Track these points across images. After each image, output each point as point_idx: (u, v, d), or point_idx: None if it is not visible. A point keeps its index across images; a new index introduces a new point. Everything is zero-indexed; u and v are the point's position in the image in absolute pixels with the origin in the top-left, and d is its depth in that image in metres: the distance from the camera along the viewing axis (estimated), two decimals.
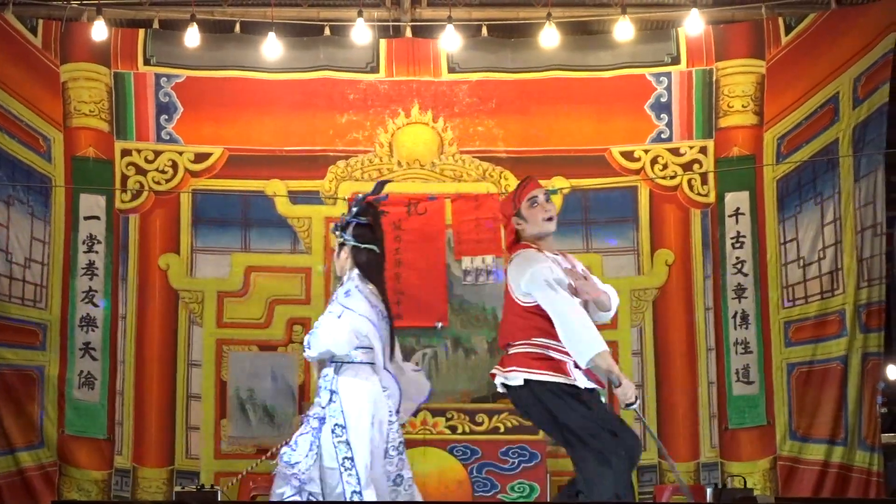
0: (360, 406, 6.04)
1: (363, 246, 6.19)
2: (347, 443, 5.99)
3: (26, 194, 9.17)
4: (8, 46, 9.18)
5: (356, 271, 6.16)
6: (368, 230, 6.24)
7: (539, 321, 5.53)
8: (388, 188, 9.28)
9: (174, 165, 9.57)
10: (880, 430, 9.03)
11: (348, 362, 6.10)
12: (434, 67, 9.72)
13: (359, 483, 5.96)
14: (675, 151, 9.62)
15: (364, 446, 6.00)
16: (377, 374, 6.14)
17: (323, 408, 6.07)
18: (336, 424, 6.01)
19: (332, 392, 6.06)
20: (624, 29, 9.16)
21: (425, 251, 9.26)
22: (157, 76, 9.59)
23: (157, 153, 9.57)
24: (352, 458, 5.98)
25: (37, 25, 9.33)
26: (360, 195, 6.31)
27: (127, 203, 9.50)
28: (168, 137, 9.58)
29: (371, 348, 6.09)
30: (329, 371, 6.12)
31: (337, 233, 6.26)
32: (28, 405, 9.03)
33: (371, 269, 6.20)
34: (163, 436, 9.33)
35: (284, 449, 6.10)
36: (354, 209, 6.25)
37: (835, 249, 9.04)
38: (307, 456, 6.01)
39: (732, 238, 9.44)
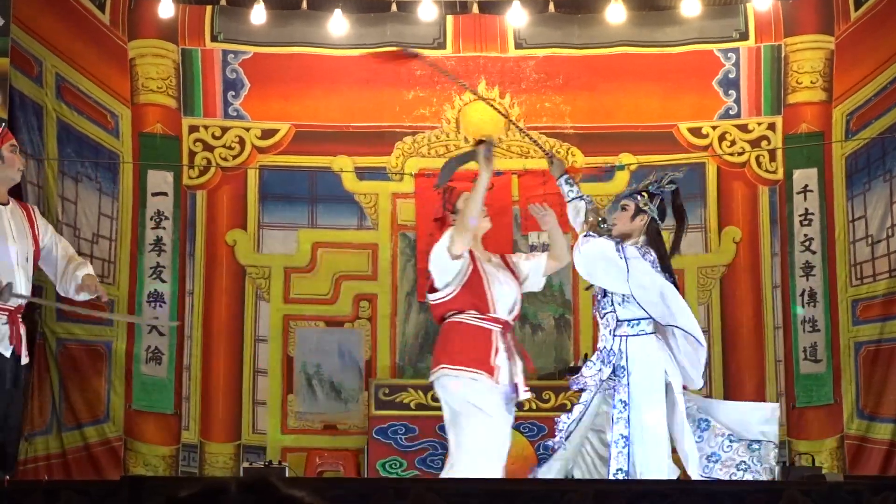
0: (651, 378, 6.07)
1: (658, 223, 6.35)
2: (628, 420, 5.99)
3: (94, 170, 9.15)
4: (76, 23, 9.11)
5: (644, 239, 6.27)
6: (663, 210, 6.40)
7: None
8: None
9: (241, 142, 9.59)
10: None
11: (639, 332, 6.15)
12: (501, 43, 9.70)
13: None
14: (744, 128, 9.56)
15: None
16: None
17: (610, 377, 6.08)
18: (620, 400, 6.00)
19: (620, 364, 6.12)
20: (691, 4, 9.13)
21: (493, 226, 9.16)
22: (225, 53, 9.61)
23: (225, 129, 9.59)
24: (627, 437, 5.97)
25: (105, 2, 9.28)
26: (667, 175, 6.38)
27: (194, 179, 9.54)
28: (235, 114, 9.60)
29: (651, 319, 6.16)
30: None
31: (643, 200, 6.32)
32: (95, 380, 9.01)
33: (659, 243, 6.33)
34: (229, 411, 9.35)
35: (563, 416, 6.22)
36: (667, 185, 6.34)
37: None
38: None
39: (801, 215, 9.37)
